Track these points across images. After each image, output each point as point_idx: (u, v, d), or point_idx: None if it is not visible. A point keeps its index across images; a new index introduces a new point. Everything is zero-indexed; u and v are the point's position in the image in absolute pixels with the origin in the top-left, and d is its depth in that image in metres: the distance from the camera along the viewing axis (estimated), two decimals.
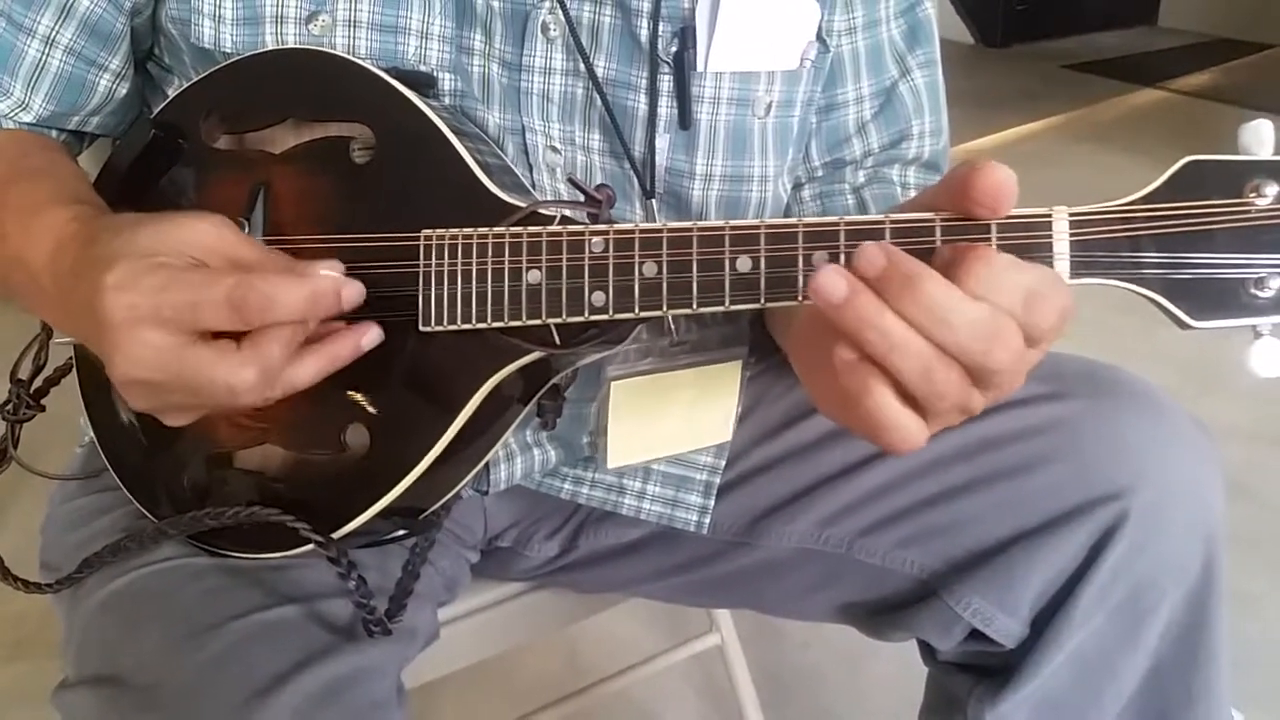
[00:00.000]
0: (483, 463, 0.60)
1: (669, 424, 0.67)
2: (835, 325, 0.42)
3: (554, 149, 0.64)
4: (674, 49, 0.62)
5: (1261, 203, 0.42)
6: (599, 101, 0.62)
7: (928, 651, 0.74)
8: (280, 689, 0.52)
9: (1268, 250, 0.42)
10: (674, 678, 1.27)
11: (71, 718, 0.56)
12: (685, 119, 0.63)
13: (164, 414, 0.51)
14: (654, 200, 0.65)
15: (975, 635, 0.67)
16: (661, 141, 0.63)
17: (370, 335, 0.51)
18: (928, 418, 0.43)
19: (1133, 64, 4.03)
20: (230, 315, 0.46)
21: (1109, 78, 3.84)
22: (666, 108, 0.63)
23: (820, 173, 0.72)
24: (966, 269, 0.41)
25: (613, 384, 0.63)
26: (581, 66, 0.62)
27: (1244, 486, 1.56)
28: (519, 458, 0.69)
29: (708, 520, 0.72)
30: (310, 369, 0.49)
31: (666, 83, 0.62)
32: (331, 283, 0.49)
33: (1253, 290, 0.42)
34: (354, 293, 0.50)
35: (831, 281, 0.42)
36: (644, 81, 0.62)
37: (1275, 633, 1.31)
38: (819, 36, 0.65)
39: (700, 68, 0.62)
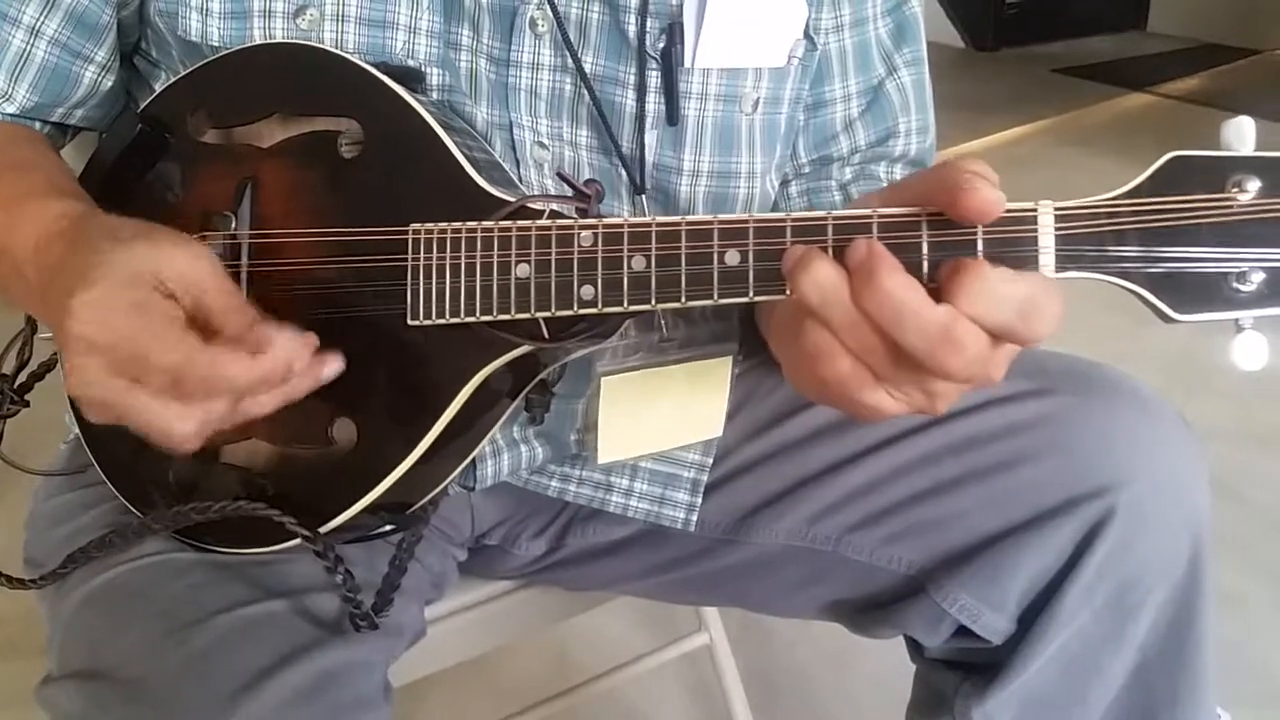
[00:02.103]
0: (470, 458, 0.60)
1: (659, 420, 0.67)
2: (790, 286, 0.45)
3: (542, 145, 0.64)
4: (661, 45, 0.62)
5: (1243, 198, 0.42)
6: (587, 97, 0.62)
7: (915, 648, 0.74)
8: (265, 683, 0.52)
9: (1249, 244, 0.42)
10: (663, 677, 1.27)
11: (55, 712, 0.56)
12: (673, 115, 0.63)
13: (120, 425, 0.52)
14: (643, 196, 0.65)
15: (962, 632, 0.67)
16: (649, 137, 0.64)
17: (330, 368, 0.51)
18: (885, 382, 0.45)
19: (1122, 68, 4.05)
20: (171, 386, 0.46)
21: (1098, 82, 3.86)
22: (654, 104, 0.63)
23: (807, 170, 0.72)
24: (962, 285, 0.42)
25: (602, 379, 0.63)
26: (569, 62, 0.62)
27: (1229, 487, 1.57)
28: (506, 454, 0.69)
29: (695, 517, 0.72)
30: (268, 404, 0.50)
31: (654, 79, 0.62)
32: (284, 364, 0.49)
33: (1235, 284, 0.42)
34: (308, 365, 0.50)
35: (796, 248, 0.45)
36: (632, 77, 0.62)
37: (1260, 633, 1.32)
38: (806, 34, 0.66)
39: (688, 64, 0.62)
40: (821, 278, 0.44)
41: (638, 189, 0.64)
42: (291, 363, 0.49)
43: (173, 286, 0.48)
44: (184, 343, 0.47)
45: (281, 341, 0.49)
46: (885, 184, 0.72)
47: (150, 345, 0.46)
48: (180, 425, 0.47)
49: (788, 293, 0.46)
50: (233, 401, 0.48)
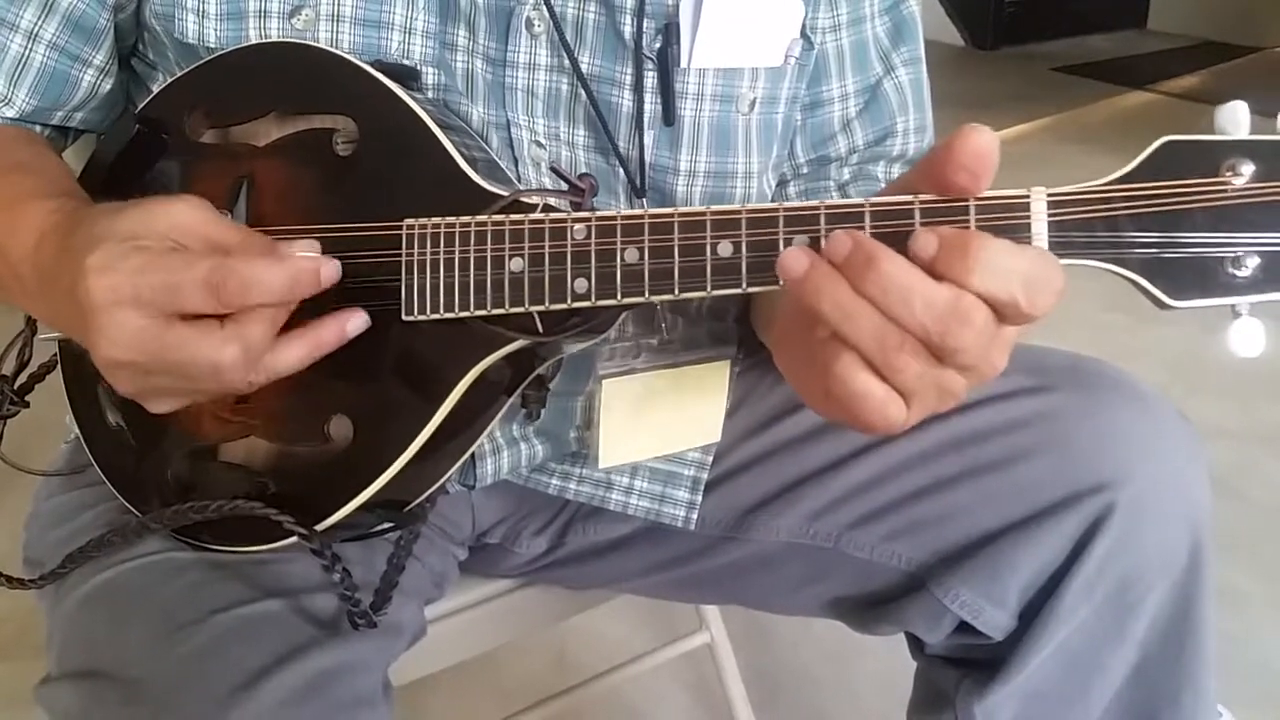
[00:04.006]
0: (467, 455, 0.59)
1: (660, 423, 0.67)
2: (800, 302, 0.44)
3: (539, 144, 0.64)
4: (658, 45, 0.62)
5: (1238, 182, 0.42)
6: (584, 97, 0.62)
7: (916, 645, 0.74)
8: (263, 683, 0.52)
9: (1245, 229, 0.42)
10: (663, 676, 1.26)
11: (54, 712, 0.56)
12: (669, 115, 0.63)
13: (148, 399, 0.51)
14: (643, 198, 0.65)
15: (963, 628, 0.67)
16: (646, 138, 0.63)
17: (355, 321, 0.51)
18: (906, 398, 0.44)
19: (1121, 66, 4.05)
20: (208, 297, 0.46)
21: (1098, 80, 3.86)
22: (651, 104, 0.63)
23: (805, 170, 0.72)
24: (965, 254, 0.41)
25: (604, 382, 0.63)
26: (566, 62, 0.62)
27: (1230, 485, 1.57)
28: (505, 452, 0.69)
29: (695, 515, 0.72)
30: (295, 354, 0.49)
31: (651, 79, 0.62)
32: (310, 263, 0.49)
33: (1230, 269, 0.42)
34: (332, 271, 0.50)
35: (793, 258, 0.44)
36: (628, 78, 0.62)
37: (1261, 631, 1.32)
38: (803, 33, 0.66)
39: (684, 64, 0.62)
40: (839, 295, 0.43)
41: (636, 191, 0.64)
42: (318, 267, 0.49)
43: (179, 238, 0.48)
44: (208, 255, 0.47)
45: (302, 244, 0.49)
46: (883, 184, 0.72)
47: (176, 266, 0.46)
48: (225, 350, 0.47)
49: (780, 283, 0.46)
50: (271, 322, 0.48)
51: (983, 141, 0.42)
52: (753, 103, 0.65)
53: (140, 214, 0.48)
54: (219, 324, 0.47)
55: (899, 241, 0.43)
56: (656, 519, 0.73)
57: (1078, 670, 0.65)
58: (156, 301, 0.46)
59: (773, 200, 0.70)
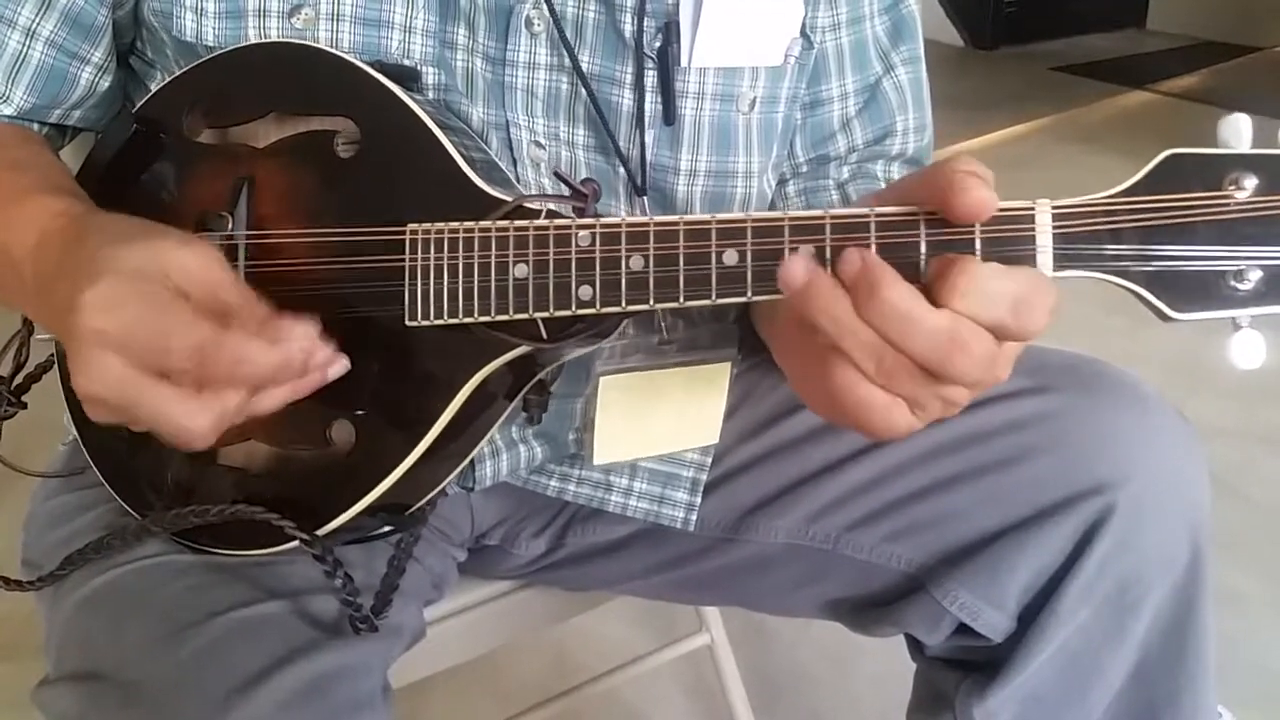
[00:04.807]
0: (468, 459, 0.59)
1: (657, 423, 0.67)
2: (799, 310, 0.44)
3: (539, 144, 0.64)
4: (658, 44, 0.62)
5: (1240, 195, 0.42)
6: (584, 96, 0.62)
7: (915, 647, 0.74)
8: (262, 685, 0.52)
9: (1247, 242, 0.42)
10: (663, 678, 1.27)
11: (52, 714, 0.56)
12: (670, 114, 0.63)
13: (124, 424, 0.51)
14: (644, 197, 0.65)
15: (963, 630, 0.67)
16: (646, 137, 0.63)
17: (336, 368, 0.50)
18: (910, 405, 0.44)
19: (1121, 66, 4.05)
20: (195, 366, 0.45)
21: (1097, 80, 3.86)
22: (651, 103, 0.63)
23: (805, 168, 0.72)
24: (951, 283, 0.42)
25: (601, 380, 0.63)
26: (566, 61, 0.62)
27: (1231, 485, 1.57)
28: (505, 454, 0.69)
29: (694, 517, 0.72)
30: (274, 399, 0.49)
31: (651, 78, 0.62)
32: (303, 353, 0.48)
33: (1232, 282, 0.42)
34: (324, 357, 0.49)
35: (793, 270, 0.44)
36: (628, 77, 0.62)
37: (1261, 631, 1.32)
38: (803, 32, 0.66)
39: (684, 63, 0.62)
40: (837, 311, 0.43)
41: (638, 190, 0.64)
42: (311, 351, 0.48)
43: (182, 284, 0.47)
44: (204, 325, 0.46)
45: (300, 330, 0.48)
46: (883, 183, 0.72)
47: (170, 330, 0.45)
48: (197, 420, 0.46)
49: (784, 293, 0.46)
50: (250, 393, 0.47)
51: (978, 201, 0.42)
52: (753, 102, 0.65)
53: (149, 251, 0.47)
54: (198, 389, 0.46)
55: (904, 252, 0.43)
56: (655, 520, 0.73)
57: (1077, 672, 0.65)
58: (143, 358, 0.45)
59: (772, 200, 0.71)
